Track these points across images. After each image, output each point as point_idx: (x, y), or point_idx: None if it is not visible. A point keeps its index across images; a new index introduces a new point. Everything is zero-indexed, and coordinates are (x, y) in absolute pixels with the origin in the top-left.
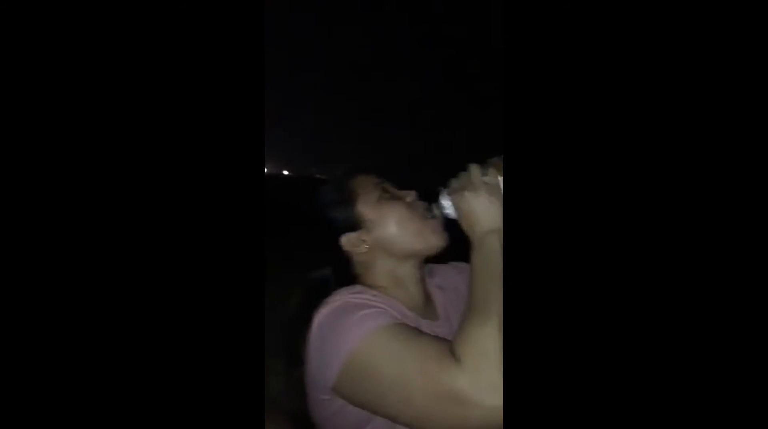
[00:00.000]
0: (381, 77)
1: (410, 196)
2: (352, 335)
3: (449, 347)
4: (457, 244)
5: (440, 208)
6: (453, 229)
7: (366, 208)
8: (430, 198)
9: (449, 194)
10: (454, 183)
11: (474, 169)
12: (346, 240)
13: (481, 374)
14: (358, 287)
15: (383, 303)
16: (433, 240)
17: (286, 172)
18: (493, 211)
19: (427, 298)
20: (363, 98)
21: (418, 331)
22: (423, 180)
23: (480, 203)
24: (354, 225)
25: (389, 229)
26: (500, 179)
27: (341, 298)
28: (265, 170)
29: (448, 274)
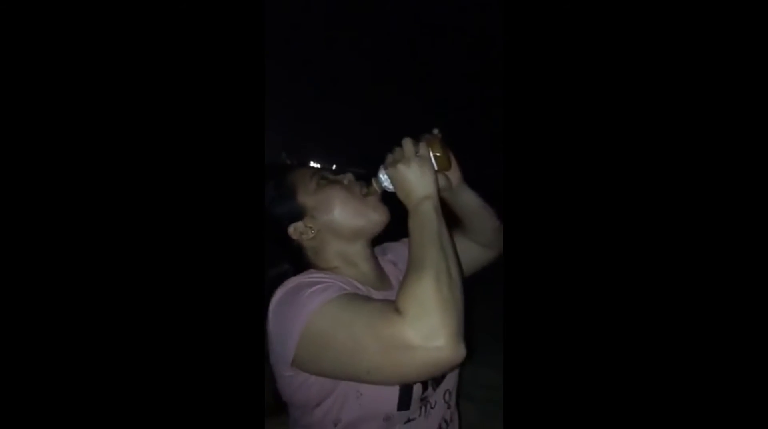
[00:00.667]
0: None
1: (346, 178)
2: (305, 310)
3: (393, 305)
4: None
5: (379, 182)
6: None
7: (306, 196)
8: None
9: (385, 168)
10: (389, 158)
11: (406, 143)
12: (293, 229)
13: (421, 320)
14: (311, 271)
15: (335, 279)
16: (374, 216)
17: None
18: (424, 179)
19: (381, 272)
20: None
21: (366, 298)
22: None
23: (412, 173)
24: (298, 215)
25: (331, 212)
26: (432, 153)
27: (294, 280)
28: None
29: (401, 250)
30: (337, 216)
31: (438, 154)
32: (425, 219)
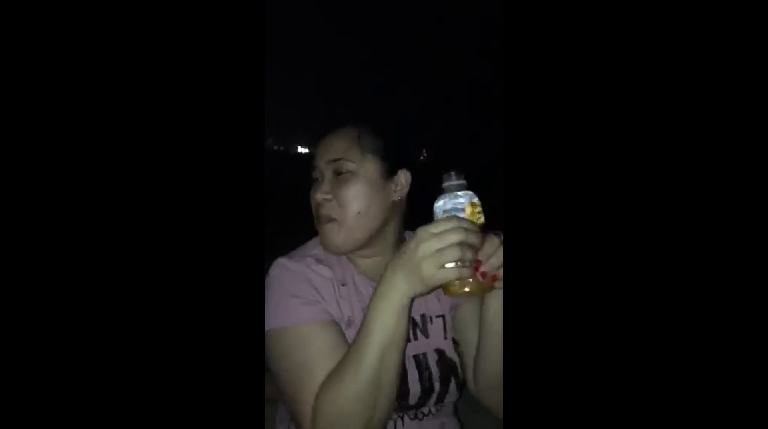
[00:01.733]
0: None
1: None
2: (272, 317)
3: (323, 382)
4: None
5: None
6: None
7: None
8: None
9: (440, 209)
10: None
11: (454, 246)
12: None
13: None
14: (312, 250)
15: (323, 292)
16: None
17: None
18: (427, 282)
19: None
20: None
21: (323, 342)
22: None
23: (426, 270)
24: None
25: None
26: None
27: (292, 260)
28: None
29: None
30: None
31: (477, 283)
32: (398, 318)
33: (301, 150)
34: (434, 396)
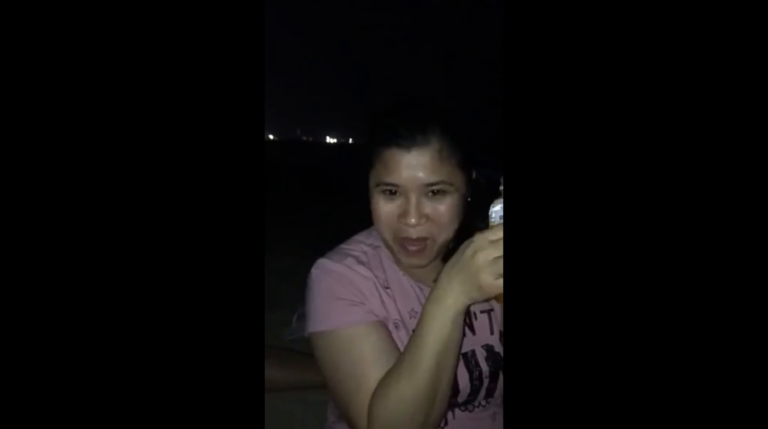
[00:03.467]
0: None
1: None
2: (317, 319)
3: (377, 385)
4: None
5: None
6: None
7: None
8: None
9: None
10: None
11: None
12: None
13: None
14: (374, 236)
15: (364, 279)
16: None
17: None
18: (483, 290)
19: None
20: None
21: (374, 344)
22: None
23: (484, 274)
24: None
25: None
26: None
27: (332, 261)
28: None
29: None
30: (376, 226)
31: None
32: (454, 324)
33: (330, 140)
34: (483, 391)
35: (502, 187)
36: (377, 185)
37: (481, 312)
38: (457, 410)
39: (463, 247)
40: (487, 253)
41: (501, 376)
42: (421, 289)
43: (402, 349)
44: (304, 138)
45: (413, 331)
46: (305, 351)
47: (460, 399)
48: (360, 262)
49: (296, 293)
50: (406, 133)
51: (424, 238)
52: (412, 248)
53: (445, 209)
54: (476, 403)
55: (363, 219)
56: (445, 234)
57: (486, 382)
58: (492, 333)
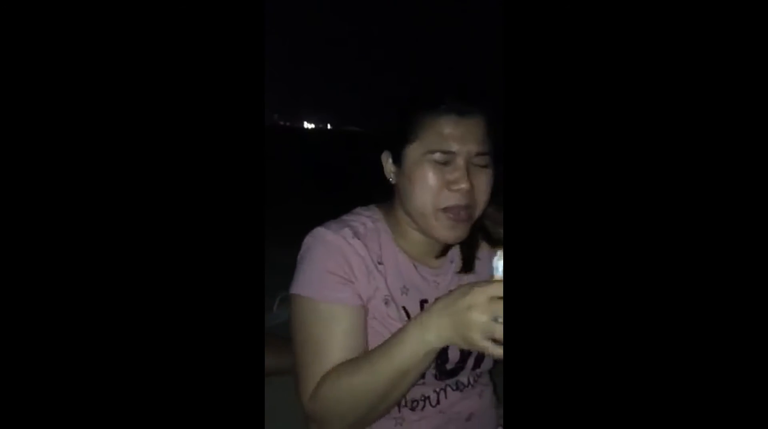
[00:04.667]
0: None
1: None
2: (303, 284)
3: (335, 368)
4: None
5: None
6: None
7: (415, 150)
8: None
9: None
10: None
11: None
12: (384, 157)
13: (320, 417)
14: (375, 211)
15: (356, 255)
16: (442, 232)
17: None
18: (466, 339)
19: (446, 248)
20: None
21: (346, 326)
22: None
23: (474, 330)
24: (395, 157)
25: (412, 191)
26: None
27: (329, 230)
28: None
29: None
30: (414, 197)
31: None
32: (426, 357)
33: (308, 125)
34: (471, 360)
35: None
36: (426, 154)
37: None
38: (449, 389)
39: (460, 291)
40: (482, 310)
41: None
42: (416, 266)
43: (390, 323)
44: (282, 123)
45: (405, 314)
46: (286, 336)
47: (449, 366)
48: (356, 235)
49: (275, 280)
50: (462, 100)
51: (469, 207)
52: (460, 215)
53: (486, 181)
54: (465, 381)
55: (344, 206)
56: (481, 207)
57: (474, 351)
58: None
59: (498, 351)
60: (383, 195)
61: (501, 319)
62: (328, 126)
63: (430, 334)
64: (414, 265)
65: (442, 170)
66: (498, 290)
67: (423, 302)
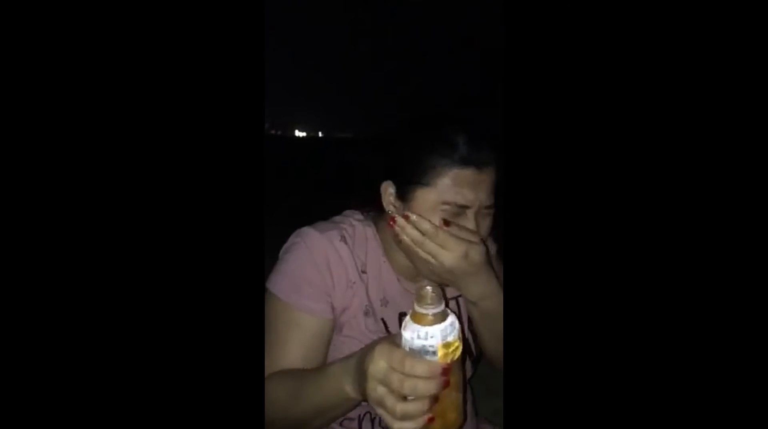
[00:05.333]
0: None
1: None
2: (280, 285)
3: (280, 371)
4: None
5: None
6: None
7: (421, 195)
8: None
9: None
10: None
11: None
12: (384, 187)
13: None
14: (368, 217)
15: (339, 261)
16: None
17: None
18: (379, 402)
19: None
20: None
21: (310, 336)
22: None
23: (386, 406)
24: (402, 195)
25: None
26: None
27: (316, 231)
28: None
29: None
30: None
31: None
32: (347, 402)
33: (299, 134)
34: None
35: (418, 310)
36: (441, 204)
37: (450, 298)
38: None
39: (373, 357)
40: (385, 385)
41: (468, 360)
42: (399, 279)
43: (367, 335)
44: (273, 132)
45: (383, 325)
46: None
47: None
48: (343, 238)
49: None
50: (481, 152)
51: None
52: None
53: (489, 225)
54: None
55: (336, 213)
56: None
57: None
58: (459, 318)
59: (390, 421)
60: (372, 202)
61: (395, 391)
62: (320, 134)
63: (347, 385)
64: (397, 278)
65: (453, 220)
66: (403, 365)
67: (401, 315)
